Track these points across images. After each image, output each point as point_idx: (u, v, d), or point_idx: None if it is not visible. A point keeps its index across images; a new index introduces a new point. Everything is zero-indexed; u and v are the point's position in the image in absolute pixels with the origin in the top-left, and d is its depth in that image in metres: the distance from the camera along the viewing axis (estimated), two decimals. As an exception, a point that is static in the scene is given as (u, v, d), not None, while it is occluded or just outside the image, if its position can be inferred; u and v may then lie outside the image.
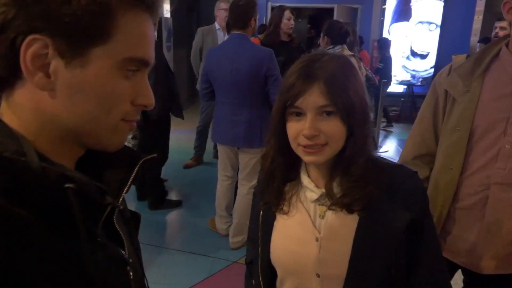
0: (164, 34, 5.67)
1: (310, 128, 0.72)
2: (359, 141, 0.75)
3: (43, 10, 0.42)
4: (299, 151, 0.76)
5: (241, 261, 2.56)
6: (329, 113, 0.73)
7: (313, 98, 0.72)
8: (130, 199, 3.38)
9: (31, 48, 0.43)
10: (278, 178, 0.84)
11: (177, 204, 3.38)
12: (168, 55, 5.61)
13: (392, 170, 0.80)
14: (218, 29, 3.95)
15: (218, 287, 2.32)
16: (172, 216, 3.23)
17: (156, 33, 3.34)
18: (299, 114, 0.74)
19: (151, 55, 0.51)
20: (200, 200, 3.51)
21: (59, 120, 0.47)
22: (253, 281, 0.93)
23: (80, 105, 0.47)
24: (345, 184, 0.77)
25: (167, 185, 3.68)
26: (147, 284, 0.64)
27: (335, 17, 6.36)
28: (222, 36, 3.93)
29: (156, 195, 3.26)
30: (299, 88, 0.73)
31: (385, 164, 0.81)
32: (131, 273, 0.55)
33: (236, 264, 2.55)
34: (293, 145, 0.77)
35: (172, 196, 3.60)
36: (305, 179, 0.83)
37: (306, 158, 0.76)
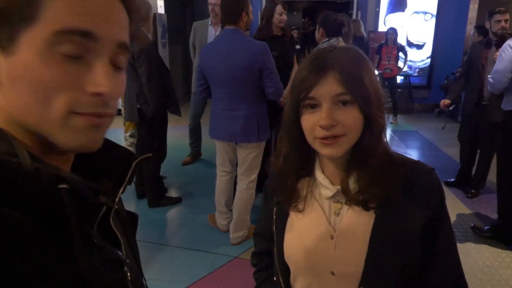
0: (159, 30, 5.63)
1: (327, 117, 0.69)
2: (376, 130, 0.73)
3: None
4: (316, 144, 0.74)
5: (242, 256, 2.56)
6: (345, 103, 0.70)
7: (328, 86, 0.70)
8: (130, 198, 3.38)
9: None
10: (291, 177, 0.82)
11: (176, 201, 3.38)
12: (164, 52, 5.58)
13: (409, 167, 0.77)
14: (210, 24, 3.89)
15: (219, 283, 2.32)
16: (172, 213, 3.23)
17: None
18: (314, 106, 0.72)
19: (96, 25, 0.43)
20: (199, 196, 3.51)
21: (13, 117, 0.44)
22: (274, 277, 0.93)
23: (19, 97, 0.43)
24: (362, 179, 0.75)
25: (166, 182, 3.69)
26: (146, 284, 0.64)
27: (354, 9, 6.22)
28: (212, 33, 3.86)
29: (155, 193, 3.26)
30: (313, 79, 0.71)
31: (401, 159, 0.78)
32: (128, 274, 0.55)
33: (238, 259, 2.54)
34: (309, 139, 0.75)
35: (172, 193, 3.60)
36: (319, 176, 0.81)
37: (323, 151, 0.73)
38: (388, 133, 5.87)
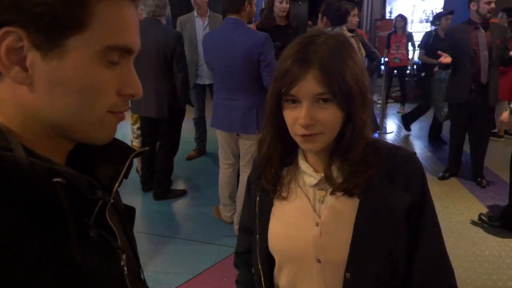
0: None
1: (306, 117, 0.70)
2: (358, 126, 0.73)
3: (13, 1, 0.40)
4: (297, 138, 0.76)
5: (247, 248, 2.56)
6: (325, 100, 0.70)
7: (309, 85, 0.69)
8: (136, 191, 3.41)
9: (5, 41, 0.41)
10: (276, 164, 0.83)
11: (181, 193, 3.40)
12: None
13: (391, 152, 0.79)
14: (196, 16, 3.85)
15: (224, 274, 2.34)
16: (177, 206, 3.25)
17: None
18: (295, 101, 0.72)
19: (134, 42, 0.48)
20: (204, 188, 3.53)
21: (42, 115, 0.45)
22: (252, 269, 0.93)
23: (60, 99, 0.45)
24: (345, 169, 0.77)
25: (172, 175, 3.70)
26: (144, 277, 0.64)
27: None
28: (200, 24, 3.85)
29: (164, 186, 3.28)
30: (294, 74, 0.70)
31: (383, 146, 0.79)
32: (125, 268, 0.54)
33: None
34: (291, 133, 0.76)
35: (177, 185, 3.61)
36: (303, 164, 0.82)
37: (303, 145, 0.76)
38: (396, 122, 5.81)
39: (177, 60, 2.88)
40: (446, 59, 3.25)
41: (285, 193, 0.84)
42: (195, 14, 3.86)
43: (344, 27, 2.71)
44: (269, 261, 0.88)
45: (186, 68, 2.99)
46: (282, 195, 0.84)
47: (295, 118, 0.73)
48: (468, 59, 3.23)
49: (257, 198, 0.88)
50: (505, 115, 2.80)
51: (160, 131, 3.16)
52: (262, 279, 0.88)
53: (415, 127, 5.54)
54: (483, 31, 3.19)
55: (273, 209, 0.86)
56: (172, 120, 3.08)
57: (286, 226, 0.84)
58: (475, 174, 3.57)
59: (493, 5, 3.09)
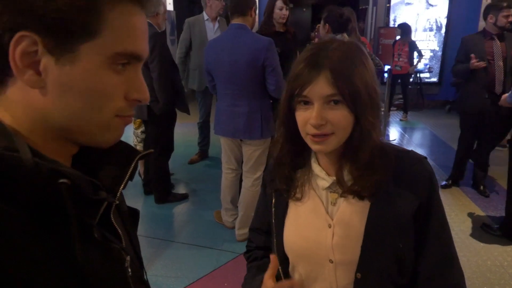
0: (168, 27, 5.64)
1: (317, 117, 0.73)
2: (366, 128, 0.75)
3: (29, 7, 0.41)
4: (308, 140, 0.77)
5: (248, 253, 2.56)
6: (336, 102, 0.73)
7: (320, 87, 0.72)
8: (138, 193, 3.41)
9: (20, 45, 0.42)
10: (288, 165, 0.86)
11: (183, 197, 3.40)
12: (172, 49, 5.57)
13: (400, 155, 0.80)
14: (207, 19, 3.83)
15: (225, 279, 2.33)
16: (179, 210, 3.25)
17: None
18: (307, 103, 0.75)
19: (143, 49, 0.50)
20: (206, 193, 3.52)
21: (51, 118, 0.46)
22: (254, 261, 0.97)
23: (71, 103, 0.46)
24: (354, 172, 0.79)
25: (174, 178, 3.71)
26: (147, 279, 0.64)
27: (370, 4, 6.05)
28: (211, 27, 3.80)
29: (161, 189, 3.27)
30: (306, 77, 0.73)
31: (393, 150, 0.81)
32: (129, 270, 0.55)
33: (243, 256, 2.55)
34: (302, 134, 0.78)
35: (179, 189, 3.62)
36: (316, 168, 0.84)
37: (313, 147, 0.77)
38: (398, 130, 5.81)
39: (151, 59, 2.74)
40: (480, 63, 3.15)
41: (299, 194, 0.86)
42: (205, 17, 3.83)
43: (345, 34, 2.72)
44: (287, 260, 0.90)
45: (162, 67, 2.77)
46: (296, 196, 0.86)
47: (306, 118, 0.75)
48: (482, 68, 3.22)
49: (273, 199, 0.91)
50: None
51: (149, 134, 3.14)
52: (282, 276, 0.90)
53: (417, 135, 5.54)
54: (499, 42, 3.20)
55: (288, 210, 0.89)
56: (158, 123, 2.99)
57: (300, 227, 0.86)
58: (477, 183, 3.56)
59: (511, 18, 3.10)
